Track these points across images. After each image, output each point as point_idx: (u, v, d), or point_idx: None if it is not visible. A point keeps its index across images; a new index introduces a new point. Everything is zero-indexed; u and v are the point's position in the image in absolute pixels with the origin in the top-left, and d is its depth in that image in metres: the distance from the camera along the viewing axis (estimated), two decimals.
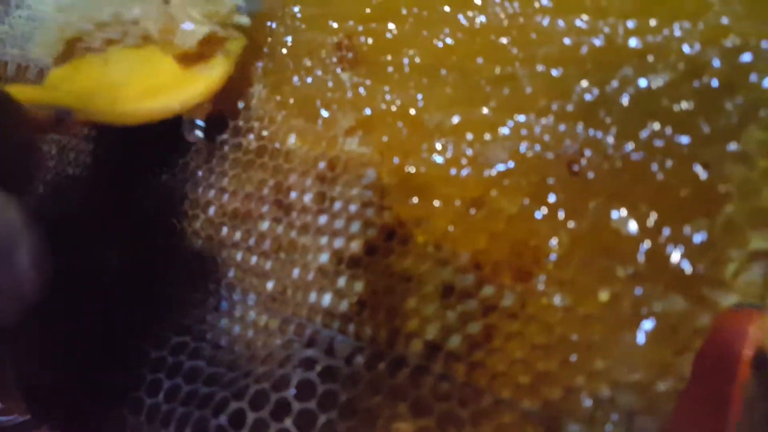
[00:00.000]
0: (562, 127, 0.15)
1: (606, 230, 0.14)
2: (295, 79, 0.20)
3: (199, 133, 0.21)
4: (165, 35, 0.19)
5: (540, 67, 0.16)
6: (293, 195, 0.19)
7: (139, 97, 0.19)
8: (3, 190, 0.13)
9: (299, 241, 0.18)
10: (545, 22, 0.16)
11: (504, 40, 0.17)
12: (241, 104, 0.21)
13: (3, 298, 0.13)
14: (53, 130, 0.19)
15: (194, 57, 0.19)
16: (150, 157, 0.22)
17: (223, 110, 0.21)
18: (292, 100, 0.19)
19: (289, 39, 0.20)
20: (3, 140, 0.15)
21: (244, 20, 0.20)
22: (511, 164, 0.15)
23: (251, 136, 0.20)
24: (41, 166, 0.16)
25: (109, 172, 0.22)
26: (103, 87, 0.19)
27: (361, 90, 0.18)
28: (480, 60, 0.17)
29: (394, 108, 0.18)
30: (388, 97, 0.18)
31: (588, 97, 0.15)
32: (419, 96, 0.17)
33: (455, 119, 0.16)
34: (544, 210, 0.14)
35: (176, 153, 0.21)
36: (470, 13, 0.18)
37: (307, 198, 0.18)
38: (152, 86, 0.19)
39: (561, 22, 0.16)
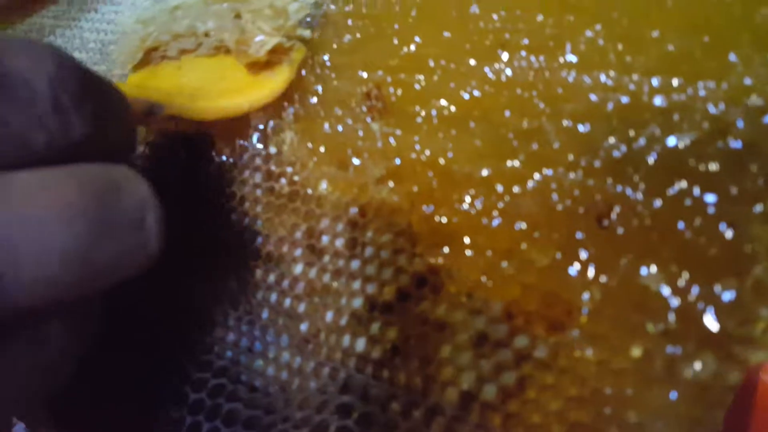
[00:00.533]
0: (590, 182, 0.16)
1: (636, 286, 0.14)
2: (326, 126, 0.20)
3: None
4: (240, 46, 0.21)
5: (567, 122, 0.17)
6: (325, 239, 0.19)
7: (215, 97, 0.21)
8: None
9: (332, 285, 0.19)
10: (570, 77, 0.17)
11: (530, 94, 0.17)
12: (273, 149, 0.21)
13: (134, 256, 0.14)
14: (144, 122, 0.20)
15: (262, 65, 0.21)
16: (189, 198, 0.22)
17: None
18: (323, 148, 0.20)
19: (319, 88, 0.21)
20: (116, 124, 0.16)
21: (306, 33, 0.22)
22: (541, 217, 0.16)
23: (283, 181, 0.21)
24: (135, 128, 0.18)
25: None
26: (180, 89, 0.22)
27: (391, 140, 0.19)
28: (507, 113, 0.18)
29: (423, 158, 0.18)
30: (417, 147, 0.18)
31: (616, 153, 0.16)
32: (448, 147, 0.18)
33: (484, 171, 0.17)
34: (575, 264, 0.15)
35: (214, 195, 0.22)
36: (496, 66, 0.18)
37: (339, 243, 0.19)
38: (224, 90, 0.21)
39: (586, 78, 0.17)
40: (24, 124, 0.13)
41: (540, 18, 0.18)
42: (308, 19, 0.22)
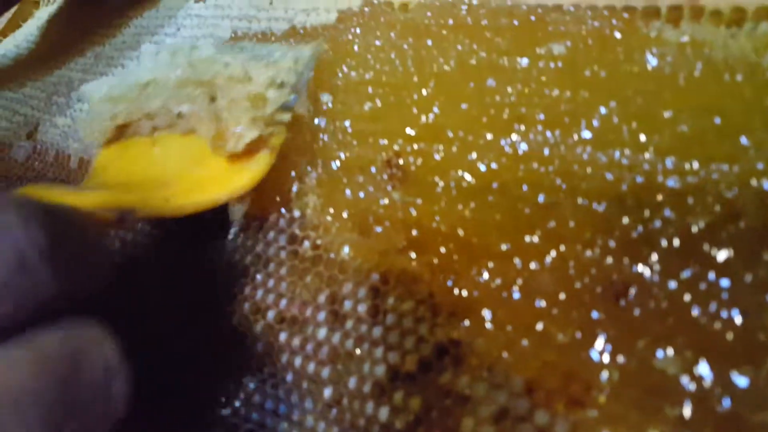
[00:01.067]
0: (608, 261, 0.16)
1: (653, 369, 0.14)
2: (348, 192, 0.21)
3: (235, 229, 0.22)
4: (216, 142, 0.20)
5: (583, 200, 0.17)
6: (348, 305, 0.20)
7: (190, 191, 0.20)
8: (98, 324, 0.15)
9: (355, 352, 0.19)
10: (586, 154, 0.18)
11: (547, 170, 0.18)
12: (297, 212, 0.22)
13: (99, 424, 0.14)
14: (116, 227, 0.20)
15: (240, 153, 0.21)
16: (214, 258, 0.23)
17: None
18: (345, 214, 0.21)
19: (341, 154, 0.22)
20: (90, 267, 0.15)
21: (286, 117, 0.21)
22: (560, 294, 0.16)
23: (306, 244, 0.21)
24: (110, 265, 0.17)
25: (171, 274, 0.24)
26: (155, 176, 0.21)
27: (412, 210, 0.20)
28: (525, 187, 0.18)
29: (443, 229, 0.19)
30: (437, 218, 0.19)
31: (632, 233, 0.16)
32: (468, 219, 0.19)
33: (503, 246, 0.18)
34: (593, 343, 0.15)
35: (239, 256, 0.23)
36: (513, 140, 0.19)
37: (362, 309, 0.20)
38: (201, 180, 0.20)
39: (602, 156, 0.17)
40: None
41: (555, 93, 0.19)
42: (289, 102, 0.21)
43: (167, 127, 0.21)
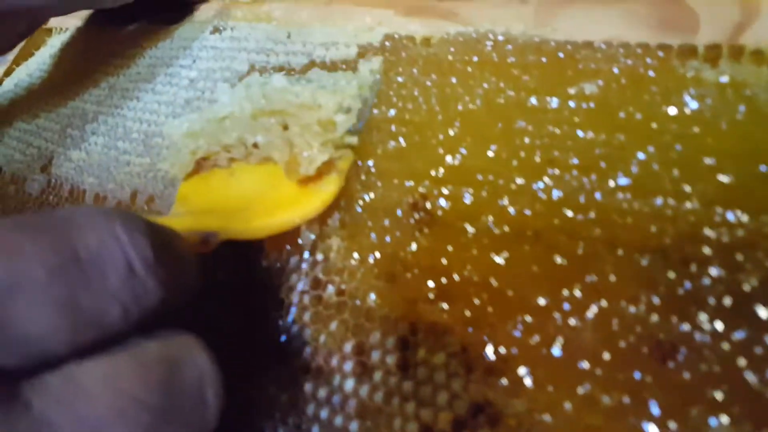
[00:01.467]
0: (654, 318, 0.15)
1: None
2: (373, 236, 0.21)
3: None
4: (290, 166, 0.21)
5: (623, 252, 0.16)
6: (375, 356, 0.19)
7: (266, 214, 0.21)
8: (190, 334, 0.15)
9: (384, 407, 0.18)
10: (625, 203, 0.17)
11: (584, 218, 0.17)
12: (320, 256, 0.21)
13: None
14: (200, 249, 0.20)
15: (311, 177, 0.21)
16: (237, 303, 0.22)
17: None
18: (371, 259, 0.20)
19: (366, 195, 0.21)
20: (187, 278, 0.16)
21: (353, 140, 0.22)
22: (603, 354, 0.16)
23: (331, 289, 0.21)
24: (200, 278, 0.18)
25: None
26: (233, 203, 0.22)
27: (443, 260, 0.19)
28: (561, 236, 0.17)
29: (475, 278, 0.18)
30: (468, 266, 0.18)
31: (679, 290, 0.15)
32: (501, 268, 0.18)
33: (541, 300, 0.17)
34: (641, 408, 0.15)
35: (261, 300, 0.22)
36: (545, 183, 0.18)
37: (390, 360, 0.19)
38: (276, 203, 0.21)
39: (642, 205, 0.17)
40: (97, 303, 0.13)
41: (590, 135, 0.18)
42: (357, 125, 0.22)
43: (243, 158, 0.22)
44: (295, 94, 0.21)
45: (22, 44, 0.39)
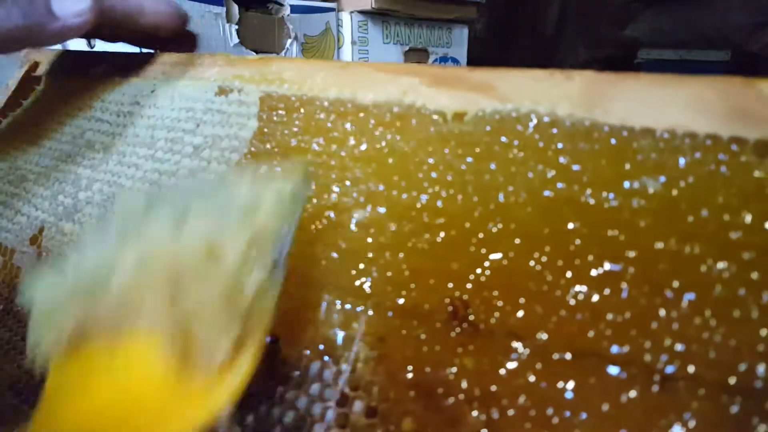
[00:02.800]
0: None
1: None
2: (407, 349, 0.18)
3: None
4: (181, 365, 0.15)
5: (705, 392, 0.14)
6: None
7: (156, 427, 0.15)
8: None
9: None
10: (706, 333, 0.15)
11: (659, 343, 0.15)
12: (345, 366, 0.19)
13: None
14: None
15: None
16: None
17: None
18: (407, 377, 0.18)
19: (397, 298, 0.19)
20: None
21: (270, 301, 0.16)
22: None
23: (358, 407, 0.19)
24: None
25: None
26: (113, 414, 0.16)
27: (493, 387, 0.17)
28: (632, 368, 0.15)
29: (533, 413, 0.16)
30: (523, 397, 0.16)
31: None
32: (566, 402, 0.16)
33: None
34: None
35: (278, 414, 0.20)
36: (605, 299, 0.16)
37: None
38: (168, 408, 0.15)
39: (727, 338, 0.15)
40: None
41: (659, 245, 0.16)
42: (274, 276, 0.16)
43: (129, 331, 0.16)
44: (183, 247, 0.15)
45: (9, 93, 0.37)
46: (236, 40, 0.70)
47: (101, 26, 0.27)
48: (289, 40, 0.76)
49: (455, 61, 0.96)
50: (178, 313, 0.15)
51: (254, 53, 0.70)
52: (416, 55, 0.90)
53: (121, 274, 0.15)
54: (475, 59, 0.94)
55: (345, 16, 0.80)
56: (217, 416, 0.15)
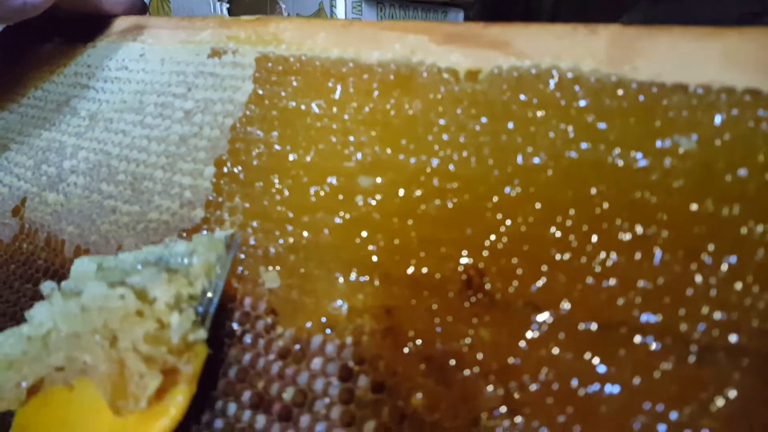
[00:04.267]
0: None
1: None
2: (418, 319, 0.17)
3: None
4: (116, 401, 0.17)
5: (749, 361, 0.13)
6: None
7: None
8: None
9: None
10: (749, 298, 0.14)
11: (696, 311, 0.14)
12: (349, 339, 0.18)
13: None
14: None
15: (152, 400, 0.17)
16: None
17: None
18: (418, 347, 0.17)
19: (407, 267, 0.18)
20: None
21: (201, 334, 0.18)
22: None
23: (363, 381, 0.17)
24: None
25: None
26: (72, 429, 0.18)
27: (511, 359, 0.15)
28: (667, 338, 0.14)
29: (556, 386, 0.15)
30: (545, 370, 0.15)
31: None
32: (592, 374, 0.14)
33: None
34: None
35: (277, 387, 0.18)
36: (635, 265, 0.15)
37: None
38: (119, 425, 0.17)
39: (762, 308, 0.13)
40: None
41: (693, 207, 0.15)
42: (203, 313, 0.18)
43: (80, 375, 0.18)
44: (119, 297, 0.17)
45: None
46: None
47: (60, 6, 0.26)
48: None
49: None
50: (115, 353, 0.17)
51: None
52: None
53: (68, 325, 0.17)
54: None
55: None
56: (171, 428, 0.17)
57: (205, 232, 0.22)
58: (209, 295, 0.19)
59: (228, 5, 0.68)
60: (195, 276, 0.19)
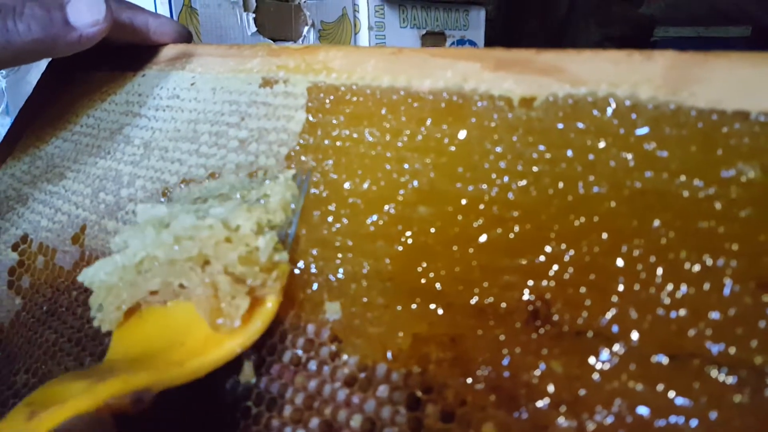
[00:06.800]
0: None
1: None
2: (485, 348, 0.17)
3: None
4: (214, 319, 0.19)
5: None
6: None
7: (203, 349, 0.19)
8: None
9: None
10: None
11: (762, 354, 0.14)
12: (416, 368, 0.18)
13: None
14: (133, 409, 0.18)
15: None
16: None
17: None
18: (482, 375, 0.17)
19: (471, 298, 0.18)
20: None
21: (284, 257, 0.20)
22: None
23: (430, 409, 0.18)
24: None
25: None
26: (169, 339, 0.20)
27: (582, 391, 0.16)
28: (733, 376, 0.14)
29: (630, 420, 0.15)
30: (618, 402, 0.15)
31: None
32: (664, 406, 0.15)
33: None
34: None
35: (346, 414, 0.19)
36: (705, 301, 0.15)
37: None
38: (213, 335, 0.19)
39: None
40: None
41: (762, 238, 0.15)
42: (284, 239, 0.21)
43: (175, 298, 0.20)
44: (209, 227, 0.19)
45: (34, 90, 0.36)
46: (254, 28, 0.68)
47: (110, 37, 0.27)
48: (306, 27, 0.75)
49: (472, 43, 0.94)
50: (208, 276, 0.19)
51: (272, 41, 0.69)
52: (433, 38, 0.88)
53: (165, 254, 0.20)
54: (488, 40, 0.92)
55: (361, 2, 0.78)
56: (250, 342, 0.19)
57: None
58: (289, 223, 0.21)
59: (254, 15, 0.69)
60: (272, 209, 0.21)
